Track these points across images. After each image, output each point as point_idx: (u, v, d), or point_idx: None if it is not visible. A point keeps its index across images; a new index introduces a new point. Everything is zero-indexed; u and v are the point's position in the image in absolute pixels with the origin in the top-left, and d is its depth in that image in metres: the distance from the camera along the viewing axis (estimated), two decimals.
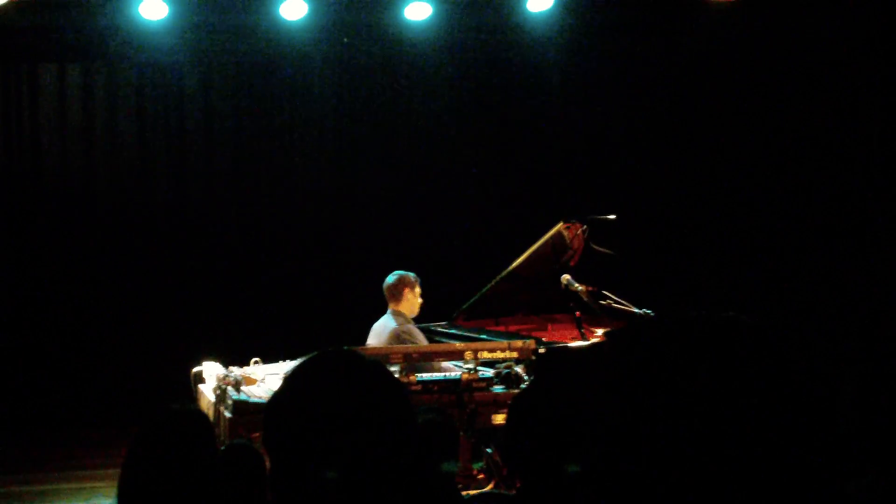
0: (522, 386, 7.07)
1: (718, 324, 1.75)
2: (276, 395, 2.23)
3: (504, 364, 7.21)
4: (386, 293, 8.36)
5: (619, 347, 1.82)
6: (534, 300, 8.83)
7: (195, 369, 7.47)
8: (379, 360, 2.31)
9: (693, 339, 1.73)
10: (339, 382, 2.16)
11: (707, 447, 1.64)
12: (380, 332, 8.22)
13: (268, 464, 4.33)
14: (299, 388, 2.18)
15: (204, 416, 4.14)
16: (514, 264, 8.48)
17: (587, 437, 3.62)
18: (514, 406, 3.97)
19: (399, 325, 8.12)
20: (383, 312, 8.35)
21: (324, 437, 2.08)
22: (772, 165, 11.53)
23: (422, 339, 8.13)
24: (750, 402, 1.65)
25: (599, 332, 8.16)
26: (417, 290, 8.34)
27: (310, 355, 2.29)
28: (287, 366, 7.41)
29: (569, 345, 7.78)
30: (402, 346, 7.65)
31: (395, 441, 2.15)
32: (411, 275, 8.39)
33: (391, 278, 8.38)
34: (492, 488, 6.77)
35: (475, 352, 7.18)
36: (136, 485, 3.63)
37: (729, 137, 11.92)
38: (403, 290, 8.29)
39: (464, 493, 5.05)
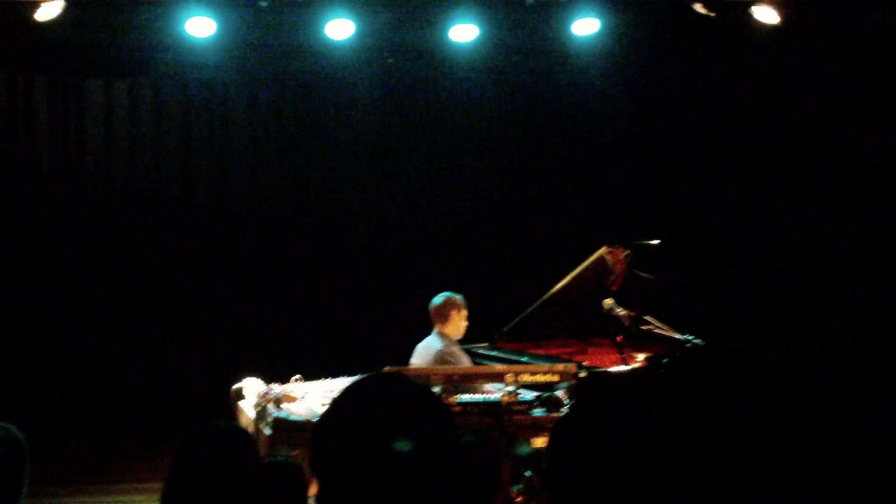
0: (562, 410, 7.05)
1: (772, 356, 1.73)
2: (325, 418, 2.24)
3: (544, 387, 7.19)
4: (432, 314, 8.34)
5: (670, 376, 1.81)
6: (575, 324, 8.81)
7: (235, 386, 7.48)
8: (427, 385, 2.31)
9: (746, 371, 1.71)
10: (387, 406, 2.16)
11: (753, 478, 1.62)
12: (424, 352, 8.21)
13: (308, 483, 4.35)
14: (348, 411, 2.19)
15: (247, 433, 4.15)
16: (557, 287, 8.46)
17: (629, 464, 3.60)
18: (556, 430, 3.97)
19: (444, 346, 8.11)
20: (426, 331, 8.34)
21: (371, 461, 2.09)
22: (821, 191, 11.43)
23: (465, 362, 8.11)
24: (799, 438, 1.64)
25: (640, 357, 8.13)
26: (464, 312, 8.32)
27: (358, 378, 2.30)
28: (328, 384, 7.43)
29: (610, 369, 7.75)
30: (443, 367, 7.64)
31: (441, 466, 2.15)
32: (458, 297, 8.37)
33: (438, 299, 8.37)
34: None
35: (516, 374, 7.16)
36: (178, 500, 3.64)
37: (776, 163, 11.84)
38: (450, 311, 8.27)
39: None
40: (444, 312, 8.29)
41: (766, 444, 1.62)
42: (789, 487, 1.61)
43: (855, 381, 1.76)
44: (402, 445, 2.10)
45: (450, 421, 2.26)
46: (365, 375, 2.32)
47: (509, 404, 6.93)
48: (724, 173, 12.21)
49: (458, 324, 8.30)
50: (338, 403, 2.23)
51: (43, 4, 9.62)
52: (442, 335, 8.23)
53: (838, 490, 1.62)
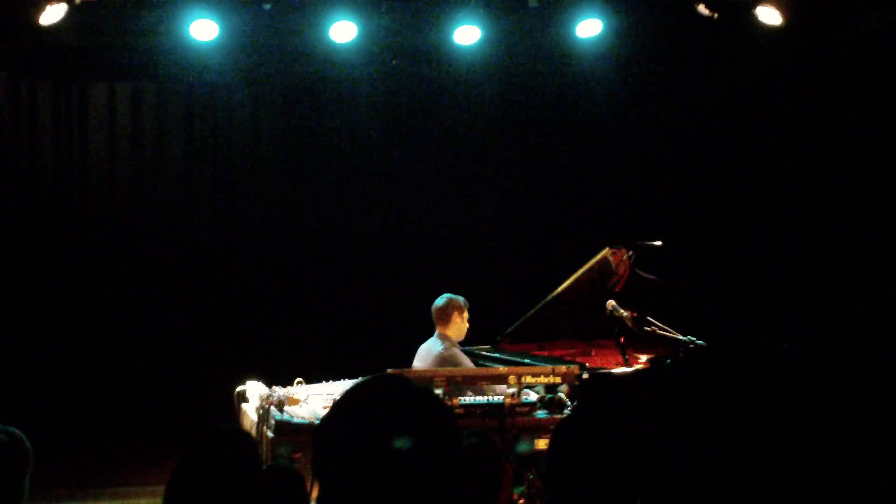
0: (566, 411, 7.05)
1: (773, 357, 1.74)
2: (326, 420, 2.24)
3: (547, 388, 7.20)
4: (434, 315, 8.33)
5: (673, 377, 1.82)
6: (578, 325, 8.80)
7: (238, 388, 7.49)
8: (429, 387, 2.32)
9: (748, 372, 1.72)
10: (388, 408, 2.16)
11: (755, 478, 1.63)
12: (425, 355, 8.20)
13: (309, 486, 4.35)
14: (349, 413, 2.19)
15: (249, 437, 4.15)
16: (560, 289, 8.45)
17: (631, 465, 3.61)
18: (557, 432, 3.97)
19: (445, 348, 8.11)
20: (428, 334, 8.33)
21: (373, 462, 2.09)
22: (824, 192, 11.42)
23: (467, 364, 8.09)
24: (800, 438, 1.64)
25: (643, 358, 8.13)
26: (466, 314, 8.32)
27: (359, 380, 2.30)
28: (331, 386, 7.42)
29: (612, 371, 7.75)
30: (446, 369, 7.63)
31: (443, 467, 2.15)
32: (461, 299, 8.36)
33: (440, 301, 8.36)
34: None
35: (519, 376, 7.16)
36: (180, 503, 3.64)
37: (779, 163, 11.84)
38: (452, 313, 8.27)
39: None
40: (446, 314, 8.29)
41: (767, 444, 1.63)
42: (790, 487, 1.61)
43: (856, 381, 1.77)
44: (404, 447, 2.10)
45: (452, 423, 2.26)
46: (366, 378, 2.32)
47: (512, 406, 6.93)
48: (727, 174, 12.21)
49: (460, 326, 8.30)
50: (339, 405, 2.24)
51: (47, 8, 9.63)
52: (444, 337, 8.22)
53: (839, 489, 1.63)
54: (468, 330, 8.38)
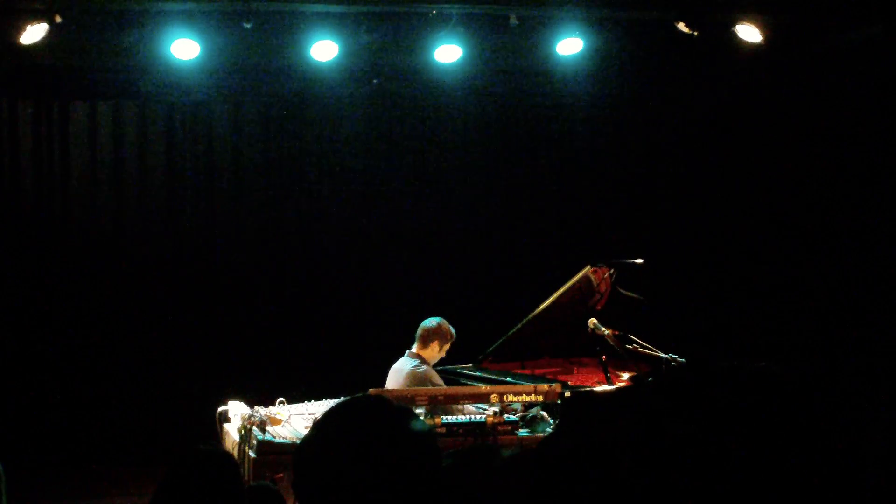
0: (548, 429, 7.06)
1: (753, 374, 1.74)
2: (306, 440, 2.24)
3: (529, 407, 7.21)
4: (418, 333, 8.31)
5: (654, 395, 1.82)
6: (560, 343, 8.81)
7: (220, 408, 7.47)
8: (408, 408, 2.32)
9: (729, 390, 1.72)
10: (368, 428, 2.16)
11: (736, 493, 1.63)
12: (397, 373, 8.18)
13: None
14: (329, 433, 2.19)
15: (231, 457, 4.14)
16: (541, 307, 8.46)
17: (614, 483, 3.61)
18: (540, 449, 3.96)
19: (417, 366, 8.08)
20: None
21: (353, 483, 2.09)
22: (804, 208, 11.46)
23: (440, 383, 8.08)
24: (781, 453, 1.65)
25: (625, 376, 8.14)
26: (447, 346, 8.29)
27: (340, 401, 2.31)
28: (312, 406, 7.41)
29: (595, 389, 7.76)
30: (427, 388, 7.62)
31: (423, 487, 2.15)
32: (452, 330, 8.32)
33: (431, 323, 8.32)
34: None
35: (501, 395, 7.15)
36: None
37: (758, 181, 11.88)
38: (434, 341, 8.24)
39: None
40: (429, 338, 8.26)
41: (748, 459, 1.63)
42: (772, 501, 1.62)
43: (834, 395, 1.77)
44: (384, 467, 2.10)
45: (432, 443, 2.26)
46: (346, 398, 2.32)
47: (494, 425, 6.93)
48: (708, 191, 12.25)
49: (435, 354, 8.27)
50: (320, 425, 2.24)
51: (28, 27, 9.60)
52: (416, 356, 8.19)
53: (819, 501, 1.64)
54: (448, 351, 8.36)
